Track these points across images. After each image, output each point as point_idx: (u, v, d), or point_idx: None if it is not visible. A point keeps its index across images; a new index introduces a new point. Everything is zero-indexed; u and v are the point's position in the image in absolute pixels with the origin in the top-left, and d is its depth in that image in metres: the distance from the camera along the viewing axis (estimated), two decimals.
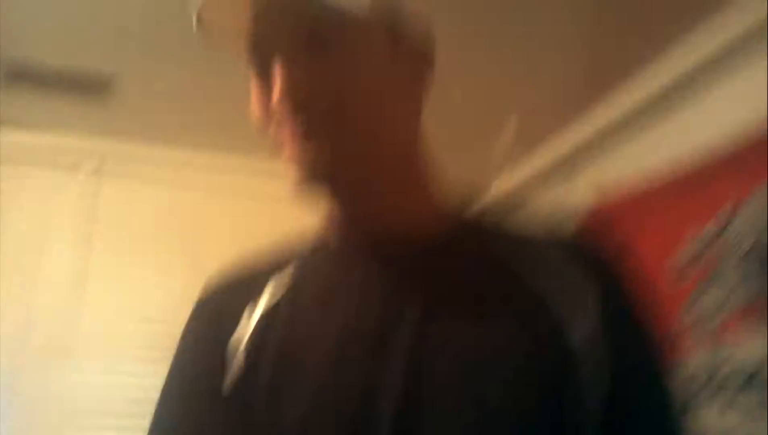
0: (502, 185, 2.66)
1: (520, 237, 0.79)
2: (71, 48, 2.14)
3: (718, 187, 1.86)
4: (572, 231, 0.79)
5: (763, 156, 1.71)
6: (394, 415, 0.67)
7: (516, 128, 2.27)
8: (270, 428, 0.71)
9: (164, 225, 2.72)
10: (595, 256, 0.76)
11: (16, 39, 2.07)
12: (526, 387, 0.67)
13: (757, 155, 1.73)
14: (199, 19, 0.72)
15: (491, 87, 2.24)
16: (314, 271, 0.82)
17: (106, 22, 2.02)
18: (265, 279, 0.83)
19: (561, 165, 2.61)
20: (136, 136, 2.70)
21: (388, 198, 0.79)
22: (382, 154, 0.77)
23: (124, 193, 2.72)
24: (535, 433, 0.66)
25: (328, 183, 0.75)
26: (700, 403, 1.78)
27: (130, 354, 2.52)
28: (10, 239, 2.52)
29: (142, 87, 2.38)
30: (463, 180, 0.87)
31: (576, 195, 2.47)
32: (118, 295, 2.59)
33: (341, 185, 0.76)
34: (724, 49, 1.85)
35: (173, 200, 2.75)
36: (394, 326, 0.71)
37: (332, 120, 0.73)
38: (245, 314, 0.80)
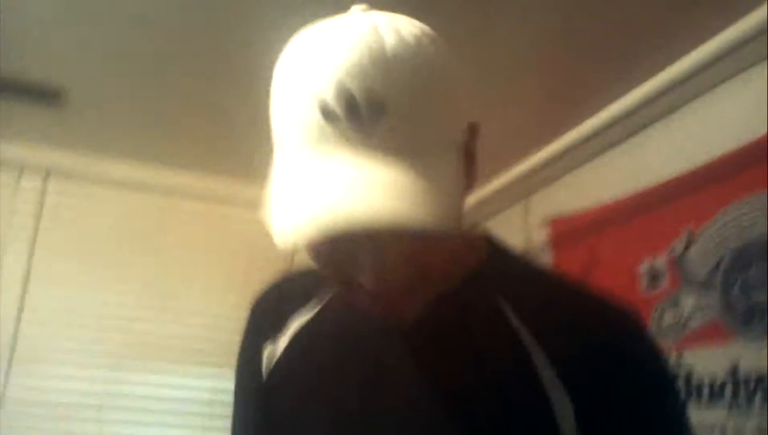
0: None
1: (526, 279, 0.82)
2: (24, 56, 2.07)
3: (685, 204, 1.89)
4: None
5: (726, 179, 1.75)
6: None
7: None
8: None
9: (110, 233, 2.71)
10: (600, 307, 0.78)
11: None
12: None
13: (722, 176, 1.77)
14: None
15: None
16: (341, 307, 0.84)
17: (60, 32, 1.95)
18: (303, 298, 0.87)
19: (518, 189, 2.62)
20: (84, 147, 2.64)
21: (433, 281, 0.77)
22: (446, 263, 0.76)
23: (71, 201, 2.71)
24: None
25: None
26: None
27: (74, 359, 2.53)
28: None
29: (94, 99, 2.32)
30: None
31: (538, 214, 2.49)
32: (63, 300, 2.58)
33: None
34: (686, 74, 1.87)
35: (120, 209, 2.75)
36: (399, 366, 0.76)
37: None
38: (284, 328, 0.86)
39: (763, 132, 1.65)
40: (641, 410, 0.72)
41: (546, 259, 2.37)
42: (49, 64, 2.11)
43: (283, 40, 0.73)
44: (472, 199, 0.72)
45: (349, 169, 0.62)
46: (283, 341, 0.84)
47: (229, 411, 0.92)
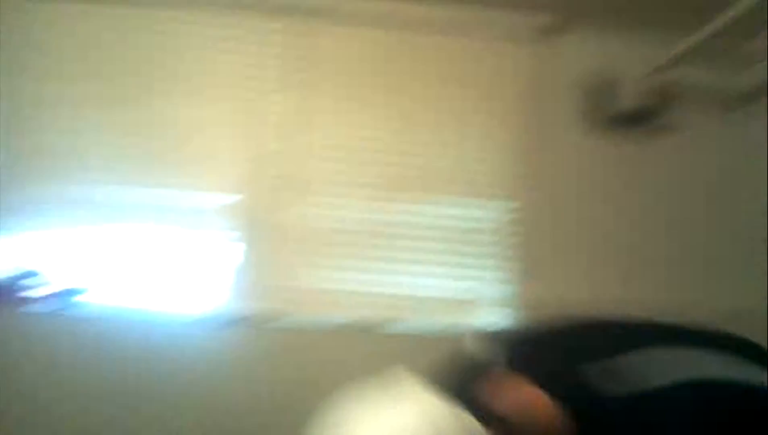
0: None
1: None
2: None
3: None
4: None
5: None
6: None
7: None
8: None
9: (377, 66, 2.75)
10: None
11: None
12: None
13: None
14: None
15: None
16: None
17: None
18: None
19: None
20: None
21: None
22: None
23: (318, 41, 2.74)
24: None
25: None
26: None
27: (352, 191, 2.66)
28: (231, 84, 2.68)
29: None
30: None
31: None
32: (341, 133, 2.68)
33: None
34: None
35: (368, 47, 2.76)
36: None
37: None
38: None
39: None
40: None
41: None
42: None
43: None
44: None
45: None
46: None
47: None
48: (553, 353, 0.98)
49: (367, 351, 2.42)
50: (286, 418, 2.36)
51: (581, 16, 2.70)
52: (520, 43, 2.76)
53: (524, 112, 2.70)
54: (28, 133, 2.60)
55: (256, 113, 2.68)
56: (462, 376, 0.98)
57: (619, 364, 0.89)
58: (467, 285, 2.61)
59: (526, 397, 0.92)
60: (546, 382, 0.91)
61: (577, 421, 0.86)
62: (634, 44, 2.71)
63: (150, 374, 2.42)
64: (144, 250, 2.63)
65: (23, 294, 2.56)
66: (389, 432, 0.87)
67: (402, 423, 0.88)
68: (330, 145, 2.68)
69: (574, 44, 2.73)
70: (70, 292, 2.57)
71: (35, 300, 2.55)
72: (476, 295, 2.60)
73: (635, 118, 2.67)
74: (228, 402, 2.41)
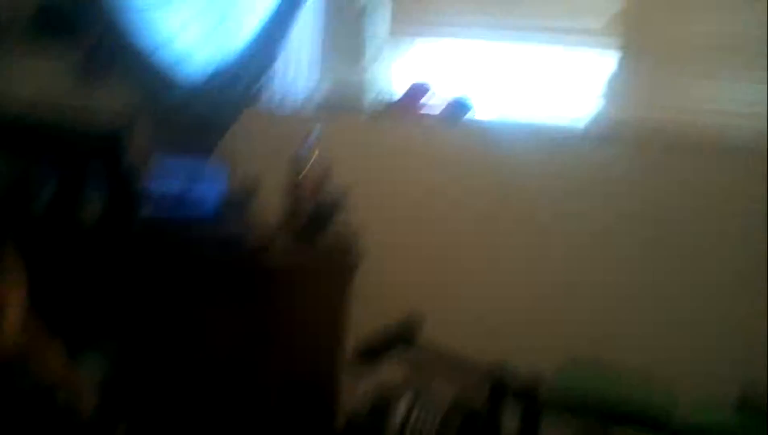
0: None
1: None
2: None
3: None
4: None
5: None
6: None
7: None
8: None
9: None
10: None
11: None
12: None
13: None
14: None
15: None
16: None
17: None
18: None
19: None
20: None
21: None
22: None
23: None
24: None
25: None
26: None
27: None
28: None
29: None
30: None
31: None
32: None
33: None
34: None
35: None
36: None
37: None
38: None
39: None
40: None
41: None
42: None
43: None
44: None
45: None
46: None
47: None
48: None
49: (737, 174, 2.37)
50: (652, 233, 2.46)
51: None
52: None
53: None
54: None
55: None
56: None
57: None
58: None
59: None
60: None
61: None
62: None
63: (526, 182, 2.62)
64: (529, 63, 2.80)
65: (418, 108, 2.93)
66: None
67: None
68: None
69: None
70: (460, 106, 2.89)
71: (429, 114, 2.92)
72: None
73: None
74: (595, 215, 2.54)
